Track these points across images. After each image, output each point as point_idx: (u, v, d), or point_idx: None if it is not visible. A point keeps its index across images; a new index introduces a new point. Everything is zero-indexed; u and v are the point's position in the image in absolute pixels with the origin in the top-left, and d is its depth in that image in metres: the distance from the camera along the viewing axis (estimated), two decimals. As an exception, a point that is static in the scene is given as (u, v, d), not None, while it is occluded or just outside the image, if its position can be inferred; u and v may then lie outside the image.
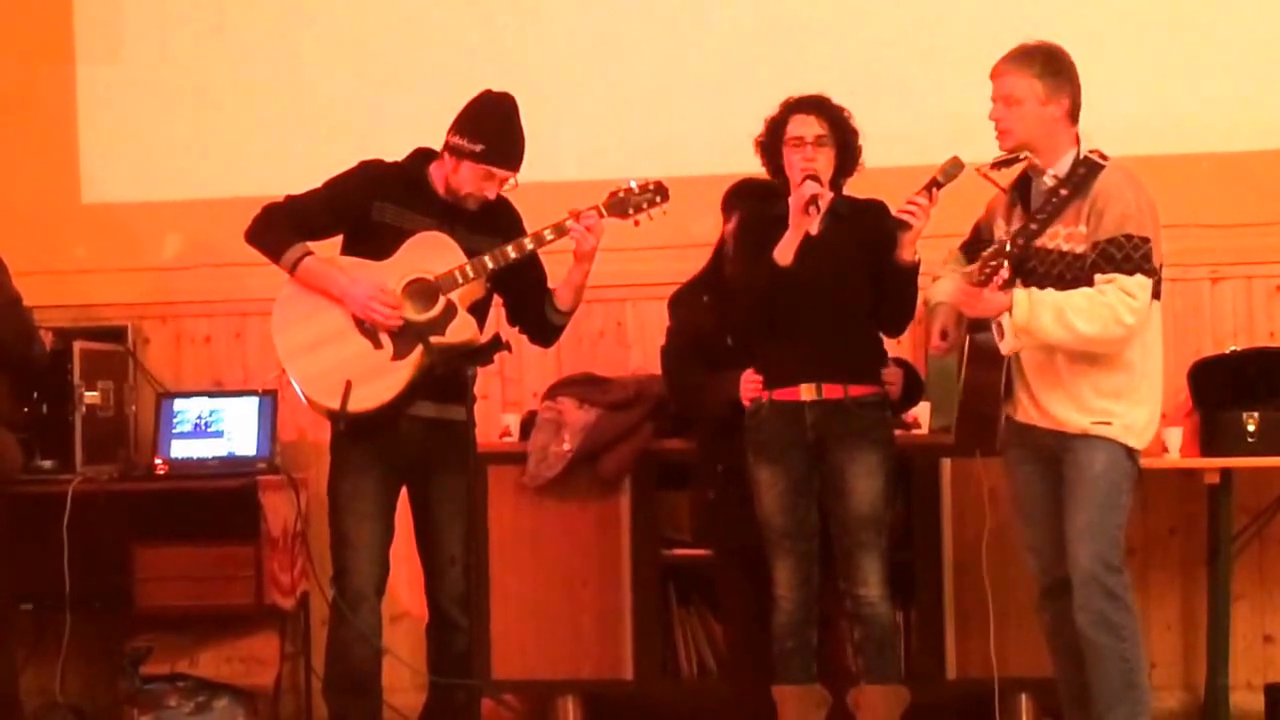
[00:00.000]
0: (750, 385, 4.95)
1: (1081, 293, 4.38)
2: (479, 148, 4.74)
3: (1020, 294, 4.38)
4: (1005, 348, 4.42)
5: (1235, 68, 5.88)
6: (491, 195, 4.79)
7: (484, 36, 6.15)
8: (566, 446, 5.49)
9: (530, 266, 4.84)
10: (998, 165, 4.55)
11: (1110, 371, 4.44)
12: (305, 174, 4.90)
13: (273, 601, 5.70)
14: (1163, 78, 5.89)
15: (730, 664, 5.39)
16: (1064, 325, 4.36)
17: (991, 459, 4.79)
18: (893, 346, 5.15)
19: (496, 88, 4.86)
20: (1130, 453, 4.47)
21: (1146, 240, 4.37)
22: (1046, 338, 4.40)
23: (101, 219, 6.37)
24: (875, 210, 4.90)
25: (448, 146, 4.79)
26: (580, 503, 5.56)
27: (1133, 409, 4.46)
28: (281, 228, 4.76)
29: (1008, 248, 4.36)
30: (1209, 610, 5.52)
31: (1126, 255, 4.35)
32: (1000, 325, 4.39)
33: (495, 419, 5.73)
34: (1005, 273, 4.34)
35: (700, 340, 5.22)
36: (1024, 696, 5.42)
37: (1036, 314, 4.36)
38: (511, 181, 4.81)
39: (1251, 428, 5.28)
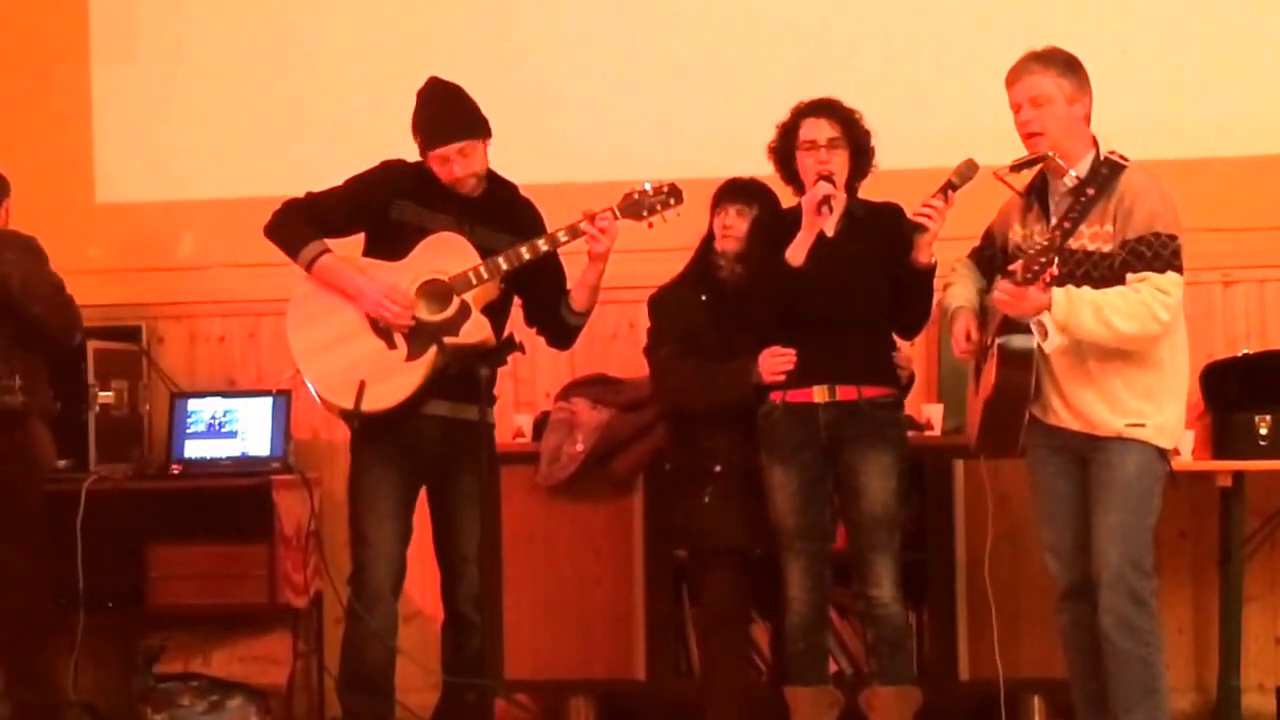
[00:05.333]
0: (776, 360, 4.92)
1: (1117, 291, 4.38)
2: (419, 141, 4.81)
3: (1059, 292, 4.37)
4: (1049, 346, 4.40)
5: (1248, 73, 5.89)
6: (462, 174, 4.76)
7: (498, 39, 6.16)
8: (579, 447, 5.49)
9: (548, 268, 4.84)
10: (1016, 168, 4.54)
11: (1141, 370, 4.45)
12: (320, 174, 4.92)
13: (286, 600, 5.71)
14: (1175, 83, 5.90)
15: (706, 669, 5.32)
16: (1102, 323, 4.36)
17: (999, 462, 4.80)
18: (906, 348, 5.15)
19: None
20: (1162, 453, 4.47)
21: (1175, 238, 4.38)
22: (1085, 335, 4.40)
23: (116, 219, 6.39)
24: (890, 213, 4.91)
25: None
26: (593, 503, 5.56)
27: (1164, 408, 4.46)
28: (300, 224, 4.78)
29: (1057, 243, 4.32)
30: (1221, 612, 5.53)
31: (1156, 253, 4.36)
32: (1042, 324, 4.38)
33: (508, 419, 5.73)
34: (1054, 270, 4.32)
35: (695, 339, 5.18)
36: (1036, 698, 5.42)
37: (1075, 311, 4.36)
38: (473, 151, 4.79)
39: (1264, 430, 5.28)
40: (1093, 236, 4.45)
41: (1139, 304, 4.36)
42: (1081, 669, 4.63)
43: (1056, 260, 4.30)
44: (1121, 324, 4.36)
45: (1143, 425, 4.43)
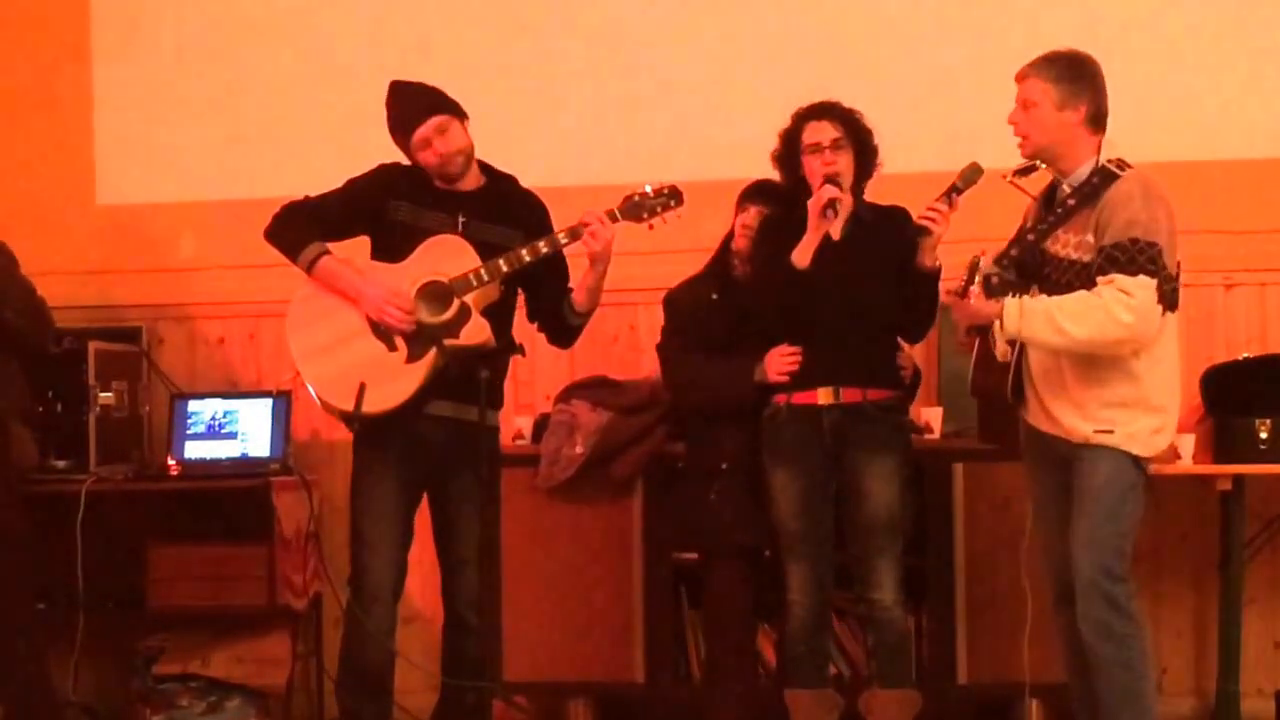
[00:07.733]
0: (783, 359, 4.93)
1: (1074, 296, 4.36)
2: (399, 139, 4.82)
3: (1011, 303, 4.36)
4: (999, 355, 4.43)
5: (1249, 74, 5.88)
6: (445, 151, 4.76)
7: (499, 43, 6.16)
8: (579, 449, 5.49)
9: (552, 266, 4.83)
10: (1018, 173, 4.56)
11: (1116, 380, 4.41)
12: (321, 175, 4.92)
13: (285, 602, 5.71)
14: (1176, 84, 5.89)
15: (712, 670, 5.33)
16: (1057, 330, 4.33)
17: (999, 465, 4.79)
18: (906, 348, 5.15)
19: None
20: (1136, 461, 4.43)
21: (1154, 244, 4.31)
22: (1041, 344, 4.40)
23: (117, 220, 6.39)
24: (897, 216, 4.92)
25: None
26: (592, 505, 5.56)
27: (1139, 418, 4.42)
28: (300, 226, 4.78)
29: (979, 262, 4.37)
30: (1220, 616, 5.52)
31: (1131, 257, 4.30)
32: (993, 335, 4.40)
33: (508, 421, 5.72)
34: (976, 287, 4.34)
35: (707, 337, 5.20)
36: (1034, 702, 5.41)
37: (1028, 321, 4.34)
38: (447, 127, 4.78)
39: (1264, 435, 5.27)
40: (1077, 245, 4.42)
41: (1096, 307, 4.31)
42: (1078, 671, 4.61)
43: (978, 277, 4.32)
44: (1074, 329, 4.31)
45: (1111, 432, 4.40)
